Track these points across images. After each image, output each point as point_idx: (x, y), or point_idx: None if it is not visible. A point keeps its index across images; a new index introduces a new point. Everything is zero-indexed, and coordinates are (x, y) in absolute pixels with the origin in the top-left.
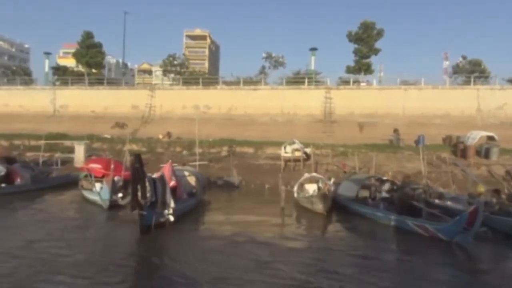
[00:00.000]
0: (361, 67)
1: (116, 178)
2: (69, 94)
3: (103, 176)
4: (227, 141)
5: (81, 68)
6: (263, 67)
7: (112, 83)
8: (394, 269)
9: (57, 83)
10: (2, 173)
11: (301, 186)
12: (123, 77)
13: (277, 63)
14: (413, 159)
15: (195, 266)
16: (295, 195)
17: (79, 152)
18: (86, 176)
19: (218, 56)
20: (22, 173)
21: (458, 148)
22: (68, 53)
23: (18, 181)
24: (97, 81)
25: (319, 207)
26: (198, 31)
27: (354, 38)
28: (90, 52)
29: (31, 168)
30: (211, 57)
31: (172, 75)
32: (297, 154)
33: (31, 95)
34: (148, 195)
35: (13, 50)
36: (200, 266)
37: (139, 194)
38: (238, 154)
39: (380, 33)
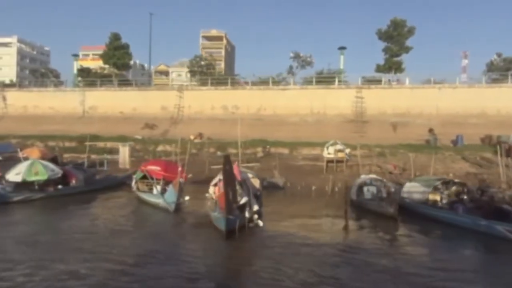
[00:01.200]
0: (392, 65)
1: (181, 180)
2: (98, 96)
3: (164, 179)
4: (259, 141)
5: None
6: (291, 67)
7: (124, 84)
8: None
9: (80, 84)
10: (59, 175)
11: (360, 188)
12: (149, 79)
13: (305, 63)
14: (456, 160)
15: (285, 270)
16: (353, 197)
17: (124, 153)
18: (142, 178)
19: (234, 57)
20: (77, 174)
21: (502, 148)
22: (86, 55)
23: (73, 182)
24: (122, 82)
25: (390, 210)
26: (214, 32)
27: (385, 36)
28: (117, 54)
29: (83, 170)
30: (227, 58)
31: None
32: (340, 155)
33: (61, 97)
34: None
35: (34, 52)
36: (289, 271)
37: (230, 197)
38: (273, 155)
39: (411, 31)
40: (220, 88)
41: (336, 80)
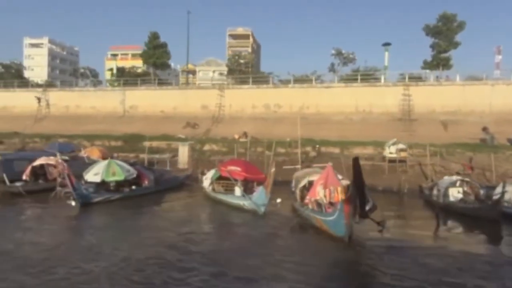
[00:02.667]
0: (440, 62)
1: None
2: (138, 95)
3: (245, 179)
4: (306, 141)
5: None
6: (332, 64)
7: (164, 83)
8: None
9: (115, 84)
10: (134, 175)
11: (446, 190)
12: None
13: (347, 60)
14: None
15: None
16: (438, 199)
17: (183, 153)
18: (218, 178)
19: (259, 55)
20: (148, 175)
21: None
22: (115, 55)
23: (145, 183)
24: (159, 81)
25: (492, 214)
26: (240, 30)
27: (432, 31)
28: (157, 53)
29: (152, 170)
30: (253, 56)
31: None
32: (403, 154)
33: (102, 97)
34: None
35: (64, 53)
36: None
37: (359, 202)
38: (324, 155)
39: (460, 26)
40: (262, 86)
41: (382, 77)
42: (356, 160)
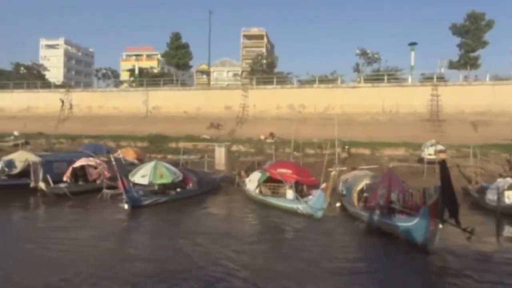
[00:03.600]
0: (468, 61)
1: (323, 185)
2: (161, 95)
3: (297, 182)
4: (333, 142)
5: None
6: (357, 64)
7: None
8: None
9: (133, 84)
10: (180, 178)
11: (502, 193)
12: (202, 79)
13: (371, 60)
14: None
15: None
16: (493, 203)
17: (220, 154)
18: (265, 181)
19: (273, 56)
20: (192, 177)
21: None
22: (130, 55)
23: (190, 185)
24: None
25: None
26: (255, 30)
27: (460, 30)
28: (179, 53)
29: (194, 172)
30: (268, 57)
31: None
32: (442, 156)
33: (125, 97)
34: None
35: (80, 54)
36: None
37: (449, 207)
38: (355, 156)
39: (489, 25)
40: (286, 86)
41: (410, 77)
42: (443, 163)
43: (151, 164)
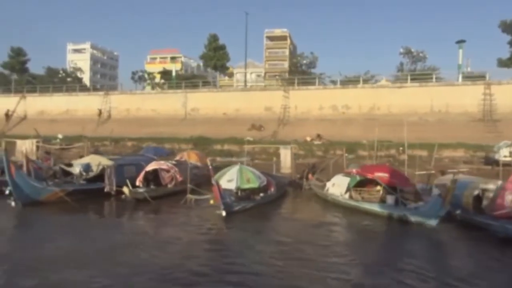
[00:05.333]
0: None
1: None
2: (199, 97)
3: (394, 186)
4: (381, 143)
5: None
6: (401, 64)
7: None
8: None
9: (164, 86)
10: (265, 182)
11: None
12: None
13: (416, 59)
14: None
15: None
16: None
17: (286, 157)
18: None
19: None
20: (273, 181)
21: None
22: (154, 58)
23: (271, 190)
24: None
25: None
26: (278, 32)
27: (510, 27)
28: (217, 55)
29: (272, 176)
30: (291, 58)
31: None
32: None
33: (163, 99)
34: None
35: (105, 57)
36: None
37: None
38: (413, 158)
39: None
40: (329, 87)
41: (460, 76)
42: None
43: (236, 168)
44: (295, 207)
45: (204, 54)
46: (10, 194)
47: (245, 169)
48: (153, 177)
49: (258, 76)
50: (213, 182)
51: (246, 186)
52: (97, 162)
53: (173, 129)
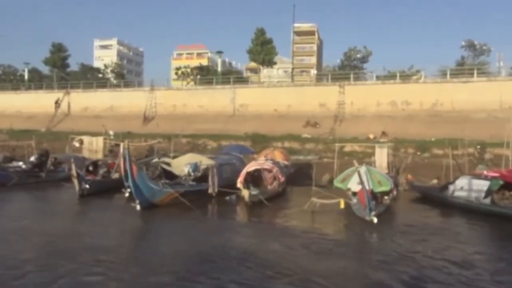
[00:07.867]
0: None
1: None
2: (248, 93)
3: None
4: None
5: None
6: (463, 57)
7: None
8: None
9: (189, 83)
10: (393, 185)
11: None
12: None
13: (479, 52)
14: None
15: None
16: None
17: (381, 156)
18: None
19: (322, 52)
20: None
21: None
22: (181, 54)
23: (394, 193)
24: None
25: None
26: (305, 26)
27: None
28: (264, 49)
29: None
30: (318, 53)
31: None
32: None
33: (211, 95)
34: None
35: (130, 54)
36: None
37: None
38: (495, 157)
39: None
40: (388, 82)
41: None
42: None
43: (363, 169)
44: (418, 212)
45: (251, 48)
46: (130, 196)
47: (373, 170)
48: (251, 178)
49: (285, 71)
50: (364, 186)
51: (380, 189)
52: (198, 161)
53: (222, 126)
